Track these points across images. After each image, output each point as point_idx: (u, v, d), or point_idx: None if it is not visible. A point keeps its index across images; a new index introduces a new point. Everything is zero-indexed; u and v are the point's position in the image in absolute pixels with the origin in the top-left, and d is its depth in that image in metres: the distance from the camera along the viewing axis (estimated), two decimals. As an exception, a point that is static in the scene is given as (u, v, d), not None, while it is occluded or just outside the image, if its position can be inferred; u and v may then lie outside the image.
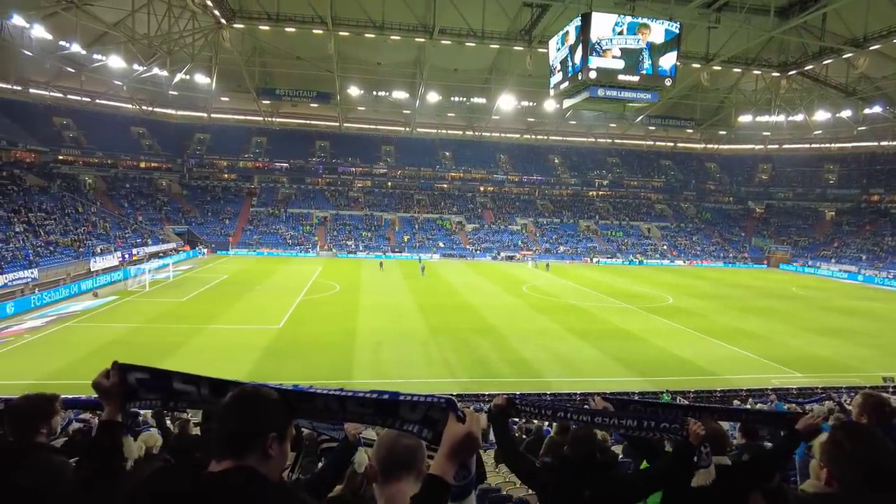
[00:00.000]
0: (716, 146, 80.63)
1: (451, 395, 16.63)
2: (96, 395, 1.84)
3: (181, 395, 1.78)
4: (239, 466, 1.41)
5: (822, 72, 55.74)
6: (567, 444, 3.22)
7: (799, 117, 64.26)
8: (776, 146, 76.51)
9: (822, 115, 61.96)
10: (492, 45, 51.52)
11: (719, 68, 54.77)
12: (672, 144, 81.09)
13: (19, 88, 53.62)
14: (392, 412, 1.65)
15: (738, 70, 58.08)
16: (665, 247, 65.59)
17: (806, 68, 54.31)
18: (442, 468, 1.49)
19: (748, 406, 12.96)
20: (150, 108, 63.84)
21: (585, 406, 3.17)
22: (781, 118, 65.68)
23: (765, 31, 42.51)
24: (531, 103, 63.05)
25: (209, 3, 44.39)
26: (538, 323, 27.60)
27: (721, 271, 56.85)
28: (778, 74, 57.28)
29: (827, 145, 72.97)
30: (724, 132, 75.46)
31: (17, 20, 38.21)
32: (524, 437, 9.62)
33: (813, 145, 73.55)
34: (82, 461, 1.79)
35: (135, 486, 1.48)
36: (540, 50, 46.03)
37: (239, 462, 1.42)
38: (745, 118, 67.86)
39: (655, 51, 29.66)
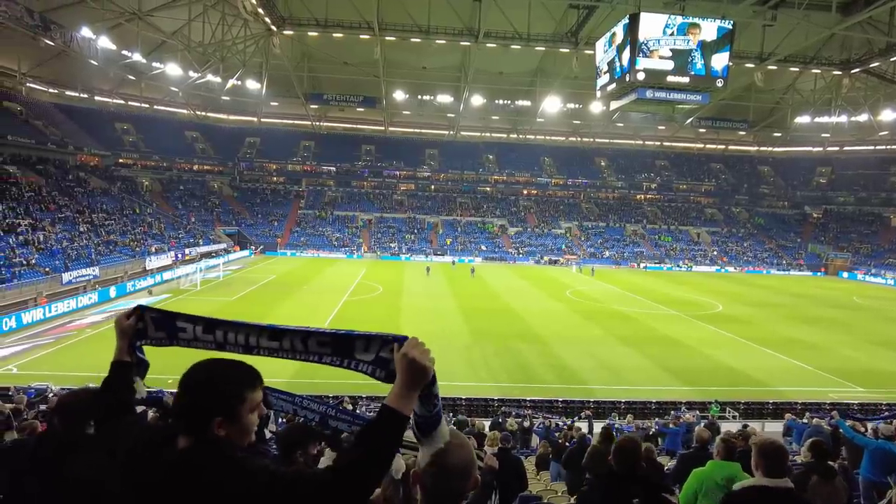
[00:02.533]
0: (770, 148, 77.55)
1: (492, 399, 16.54)
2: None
3: (181, 333, 1.90)
4: (193, 444, 1.45)
5: (890, 69, 52.88)
6: (611, 454, 3.13)
7: (862, 117, 61.11)
8: (836, 148, 72.90)
9: (888, 115, 58.71)
10: (537, 48, 51.15)
11: (775, 68, 52.67)
12: (723, 147, 78.48)
13: (86, 96, 56.65)
14: (348, 352, 1.66)
15: (796, 69, 55.70)
16: (715, 252, 63.50)
17: (871, 66, 51.58)
18: (395, 399, 1.44)
19: (804, 420, 12.36)
20: (203, 113, 66.33)
21: None
22: (843, 119, 62.60)
23: (826, 27, 40.67)
24: (577, 105, 62.22)
25: (260, 10, 45.76)
26: (582, 329, 27.17)
27: (774, 279, 54.59)
28: (840, 73, 54.64)
29: (893, 147, 69.06)
30: (779, 134, 72.43)
31: (86, 32, 40.35)
32: (567, 444, 9.46)
33: (878, 147, 69.74)
34: (96, 397, 1.92)
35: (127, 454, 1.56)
36: (586, 52, 45.39)
37: (192, 438, 1.46)
38: (802, 119, 64.98)
39: (706, 51, 28.80)
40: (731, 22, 29.42)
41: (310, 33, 51.53)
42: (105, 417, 1.86)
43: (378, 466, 1.41)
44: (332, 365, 1.72)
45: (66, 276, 30.28)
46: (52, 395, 13.19)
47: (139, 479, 1.48)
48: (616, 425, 13.29)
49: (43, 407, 11.02)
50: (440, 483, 1.57)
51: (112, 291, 31.24)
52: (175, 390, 1.62)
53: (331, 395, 13.52)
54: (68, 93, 54.98)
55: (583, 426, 13.11)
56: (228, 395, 1.50)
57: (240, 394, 1.51)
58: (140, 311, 1.98)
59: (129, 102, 61.05)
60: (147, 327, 1.97)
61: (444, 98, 62.77)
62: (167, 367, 2.89)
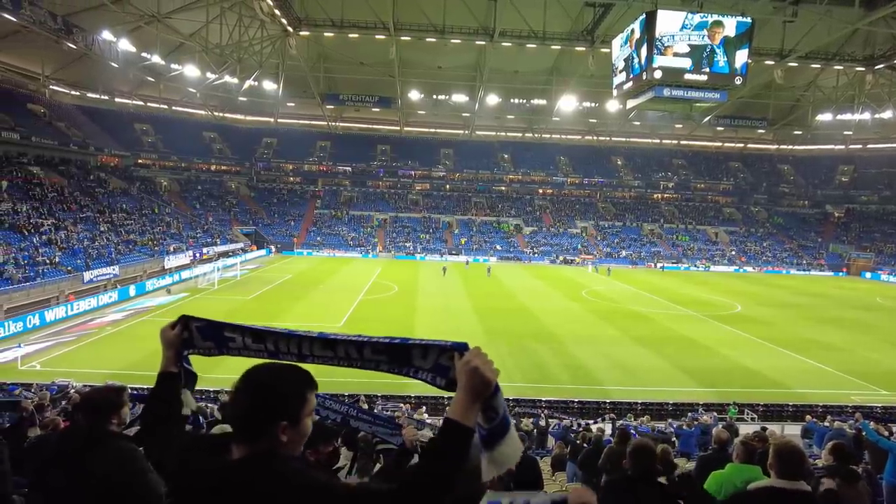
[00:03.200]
0: (790, 147, 76.30)
1: (506, 399, 16.50)
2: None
3: (229, 342, 1.89)
4: (252, 454, 1.42)
5: (914, 65, 51.77)
6: (627, 456, 3.11)
7: (887, 114, 59.75)
8: (859, 146, 71.53)
9: (913, 113, 57.45)
10: (553, 47, 50.91)
11: (795, 65, 51.79)
12: (742, 145, 77.42)
13: (106, 97, 57.57)
14: (405, 360, 1.63)
15: (817, 66, 54.70)
16: (733, 252, 62.70)
17: (895, 61, 50.54)
18: (457, 411, 1.39)
19: (826, 424, 12.15)
20: (221, 114, 67.08)
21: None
22: (866, 116, 61.31)
23: (848, 22, 39.96)
24: (593, 104, 61.78)
25: (277, 11, 46.14)
26: (598, 329, 27.00)
27: (794, 279, 53.75)
28: (863, 69, 53.56)
29: (918, 145, 67.63)
30: (799, 132, 71.23)
31: (106, 35, 41.01)
32: (585, 445, 9.41)
33: (902, 145, 68.34)
34: (145, 411, 1.88)
35: (178, 461, 1.56)
36: (603, 50, 45.08)
37: (253, 447, 1.42)
38: (823, 117, 63.82)
39: (725, 48, 28.46)
40: (751, 18, 29.03)
41: (325, 34, 51.84)
42: (151, 428, 1.82)
43: (444, 482, 1.35)
44: (390, 372, 1.69)
45: (87, 275, 30.82)
46: (73, 391, 13.41)
47: (191, 491, 1.44)
48: (633, 426, 13.19)
49: (64, 403, 11.23)
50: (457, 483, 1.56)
51: (131, 290, 31.74)
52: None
53: (346, 394, 13.58)
54: (90, 95, 55.91)
55: (606, 428, 13.04)
56: (293, 396, 1.47)
57: (302, 395, 1.49)
58: (185, 320, 1.98)
59: (148, 103, 61.93)
60: (193, 337, 1.96)
61: (460, 97, 62.76)
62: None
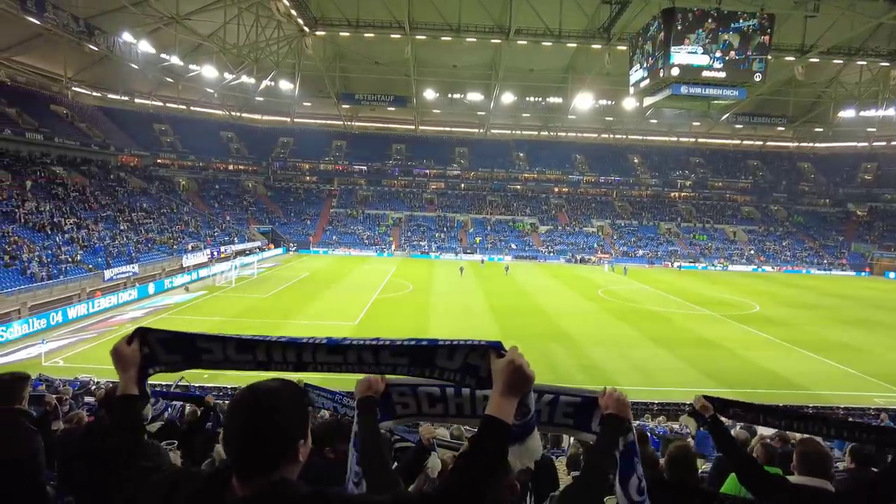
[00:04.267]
0: (811, 144, 75.05)
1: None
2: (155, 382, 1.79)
3: (203, 354, 1.70)
4: (268, 484, 1.27)
5: (941, 60, 50.57)
6: (665, 463, 3.07)
7: (912, 111, 58.56)
8: (883, 143, 69.99)
9: (938, 109, 56.19)
10: (569, 45, 50.60)
11: (817, 60, 50.92)
12: (761, 143, 76.30)
13: (126, 98, 58.45)
14: (429, 361, 1.59)
15: (840, 61, 53.65)
16: (752, 251, 61.84)
17: (921, 56, 49.41)
18: (497, 408, 1.39)
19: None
20: (238, 114, 67.75)
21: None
22: (891, 112, 60.03)
23: (873, 17, 39.20)
24: (609, 102, 61.29)
25: (293, 12, 46.45)
26: (614, 329, 26.82)
27: (815, 278, 52.88)
28: (887, 64, 52.40)
29: (944, 142, 66.09)
30: (820, 129, 70.00)
31: (127, 37, 41.66)
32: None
33: (928, 142, 66.85)
34: (107, 444, 1.59)
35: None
36: (619, 47, 44.72)
37: (270, 478, 1.28)
38: (846, 113, 62.58)
39: (744, 45, 28.08)
40: (771, 14, 28.62)
41: (341, 33, 52.09)
42: (119, 464, 1.52)
43: (488, 477, 1.35)
44: (410, 375, 1.66)
45: (107, 273, 31.35)
46: (94, 387, 13.65)
47: None
48: (649, 427, 13.09)
49: (87, 399, 11.44)
50: None
51: (151, 288, 32.21)
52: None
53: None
54: (110, 95, 56.81)
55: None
56: (303, 412, 1.39)
57: (307, 408, 1.43)
58: (142, 333, 1.73)
59: (167, 104, 62.76)
60: (156, 351, 1.72)
61: (475, 96, 62.67)
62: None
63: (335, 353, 1.64)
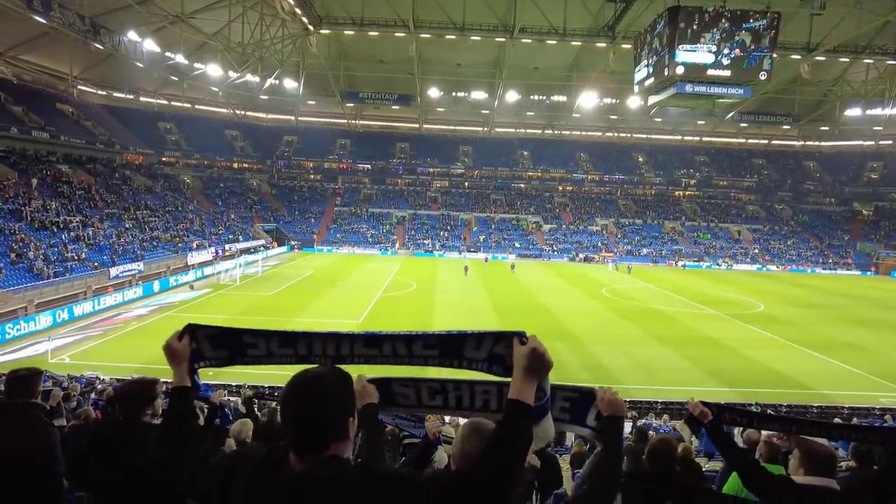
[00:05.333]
0: (816, 143, 74.70)
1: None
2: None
3: (248, 349, 1.79)
4: (322, 460, 1.40)
5: (948, 59, 50.23)
6: (645, 455, 3.11)
7: (919, 110, 58.17)
8: (890, 142, 69.56)
9: (945, 108, 55.80)
10: (573, 43, 50.48)
11: (823, 59, 50.66)
12: (766, 142, 75.99)
13: (131, 97, 58.67)
14: (457, 352, 1.67)
15: (846, 60, 53.40)
16: (757, 250, 61.65)
17: (928, 55, 49.10)
18: (519, 391, 1.50)
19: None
20: (242, 113, 67.86)
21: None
22: (896, 111, 59.72)
23: (880, 15, 39.01)
24: (614, 100, 61.13)
25: (298, 10, 46.53)
26: (618, 328, 26.80)
27: (819, 278, 52.68)
28: (894, 62, 52.17)
29: (951, 140, 65.63)
30: (826, 128, 69.65)
31: (132, 35, 41.80)
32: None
33: (934, 141, 66.37)
34: (166, 431, 1.80)
35: (224, 474, 1.52)
36: (624, 46, 44.62)
37: (323, 453, 1.41)
38: (852, 112, 62.21)
39: (749, 43, 27.96)
40: (776, 12, 28.49)
41: (346, 32, 52.15)
42: (176, 451, 1.72)
43: (517, 459, 1.44)
44: (440, 366, 1.72)
45: (113, 271, 31.51)
46: (100, 384, 13.74)
47: None
48: (653, 425, 13.10)
49: (93, 396, 11.52)
50: None
51: (156, 286, 32.36)
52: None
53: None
54: (115, 94, 57.03)
55: (626, 426, 12.96)
56: (349, 393, 1.51)
57: (353, 390, 1.55)
58: (191, 329, 1.84)
59: (172, 102, 62.95)
60: (202, 347, 1.83)
61: (479, 95, 62.60)
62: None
63: (371, 346, 1.72)
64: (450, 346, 1.68)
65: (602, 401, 2.07)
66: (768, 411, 15.54)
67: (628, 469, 3.22)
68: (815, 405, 16.56)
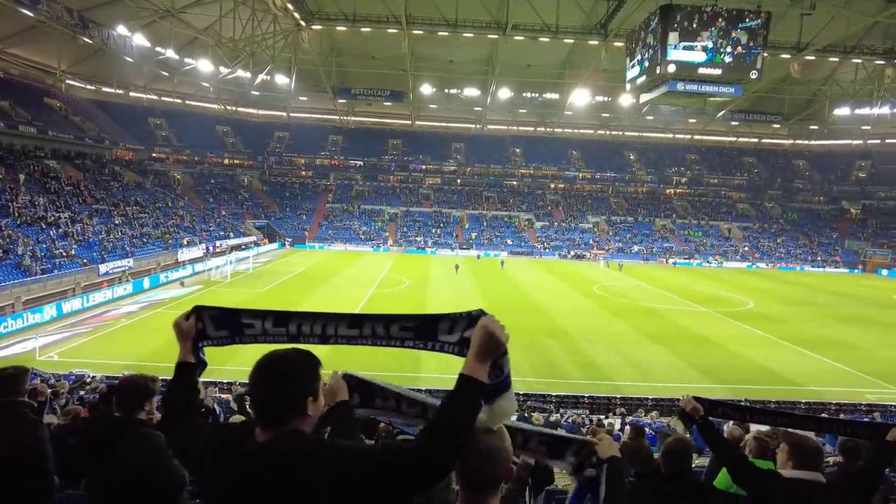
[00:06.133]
0: (806, 142, 75.39)
1: (518, 393, 16.52)
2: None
3: (246, 329, 1.92)
4: (282, 433, 1.52)
5: (935, 59, 50.78)
6: (661, 455, 3.12)
7: (905, 109, 58.78)
8: (877, 141, 70.36)
9: (932, 107, 56.42)
10: (566, 40, 50.55)
11: (813, 58, 51.08)
12: (756, 140, 76.56)
13: (121, 92, 58.11)
14: (431, 335, 1.76)
15: (835, 59, 53.85)
16: (747, 248, 62.13)
17: (916, 55, 49.57)
18: (471, 368, 1.53)
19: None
20: (233, 108, 67.47)
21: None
22: (885, 110, 60.26)
23: (869, 15, 39.36)
24: (606, 98, 61.34)
25: (289, 5, 46.24)
26: (610, 325, 26.92)
27: (808, 275, 53.19)
28: (883, 62, 52.64)
29: (938, 140, 66.36)
30: (815, 127, 70.29)
31: (121, 30, 41.38)
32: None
33: (922, 140, 67.04)
34: (166, 401, 1.95)
35: (203, 447, 1.65)
36: (616, 44, 44.74)
37: (282, 427, 1.53)
38: (841, 111, 62.81)
39: (740, 42, 28.13)
40: (767, 11, 28.67)
41: (338, 28, 51.88)
42: (174, 419, 1.88)
43: (461, 432, 1.48)
44: (415, 348, 1.80)
45: (102, 268, 31.23)
46: (90, 381, 13.65)
47: (230, 474, 1.53)
48: (646, 423, 13.18)
49: (82, 393, 11.45)
50: (468, 463, 1.64)
51: (146, 282, 32.13)
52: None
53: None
54: (105, 89, 56.49)
55: (616, 423, 13.04)
56: (312, 374, 1.62)
57: (317, 372, 1.65)
58: (198, 310, 2.00)
59: (162, 98, 62.47)
60: (206, 327, 1.98)
61: (471, 92, 62.58)
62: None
63: (353, 327, 1.83)
64: (424, 329, 1.77)
65: (602, 444, 2.13)
66: (758, 407, 15.70)
67: (634, 468, 3.23)
68: (804, 401, 16.75)
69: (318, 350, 1.67)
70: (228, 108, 67.09)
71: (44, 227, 32.49)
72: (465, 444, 1.50)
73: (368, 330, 1.81)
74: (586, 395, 16.77)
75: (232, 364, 14.60)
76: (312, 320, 1.87)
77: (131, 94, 59.64)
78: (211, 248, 44.05)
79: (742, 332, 26.75)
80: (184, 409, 1.89)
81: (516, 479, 2.56)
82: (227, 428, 1.76)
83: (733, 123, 69.94)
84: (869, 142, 70.67)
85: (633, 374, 19.66)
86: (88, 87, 55.37)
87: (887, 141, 69.81)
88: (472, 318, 1.69)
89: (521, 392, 16.64)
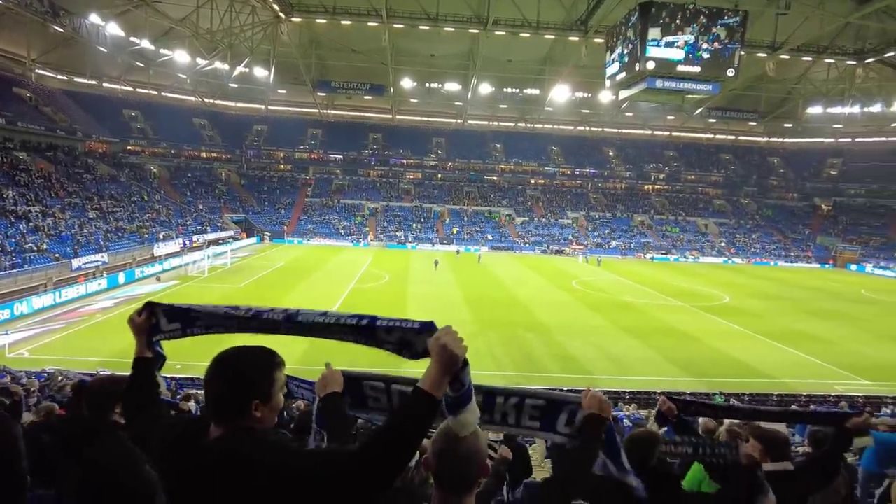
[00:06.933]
0: (780, 139, 76.87)
1: (495, 387, 16.64)
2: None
3: (197, 321, 2.02)
4: (230, 431, 1.54)
5: (904, 60, 52.16)
6: (624, 442, 3.16)
7: (876, 108, 60.30)
8: (848, 139, 72.05)
9: (901, 107, 57.93)
10: (546, 36, 50.79)
11: (787, 57, 52.08)
12: (733, 137, 77.76)
13: (94, 82, 56.73)
14: (370, 335, 1.77)
15: (809, 59, 55.00)
16: (723, 244, 63.23)
17: (886, 56, 50.82)
18: (429, 383, 1.49)
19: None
20: (211, 101, 66.42)
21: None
22: (856, 109, 61.77)
23: (841, 16, 40.20)
24: (586, 94, 61.81)
25: (268, -3, 45.66)
26: (588, 319, 27.21)
27: (782, 271, 54.36)
28: (854, 63, 54.00)
29: (905, 139, 68.11)
30: (789, 125, 71.75)
31: (94, 18, 40.40)
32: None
33: (890, 138, 68.49)
34: (126, 395, 2.03)
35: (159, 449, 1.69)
36: (596, 40, 45.05)
37: (230, 426, 1.55)
38: (814, 110, 64.24)
39: (718, 41, 28.54)
40: (745, 10, 29.11)
41: (318, 20, 51.40)
42: (133, 413, 1.95)
43: (408, 446, 1.46)
44: (356, 342, 1.82)
45: (75, 263, 30.57)
46: (61, 379, 13.37)
47: (178, 469, 1.58)
48: (625, 416, 13.37)
49: (55, 391, 11.21)
50: (446, 467, 1.64)
51: (121, 278, 31.52)
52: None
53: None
54: (77, 79, 55.08)
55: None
56: (262, 377, 1.61)
57: (271, 375, 1.63)
58: (150, 306, 2.08)
59: (138, 89, 61.18)
60: (160, 321, 2.05)
61: (452, 86, 62.56)
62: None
63: (291, 321, 1.88)
64: (364, 332, 1.78)
65: (591, 398, 2.03)
66: (731, 401, 16.04)
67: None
68: (776, 393, 17.14)
69: (301, 343, 1.68)
70: (206, 100, 66.01)
71: (13, 220, 31.67)
72: (407, 459, 1.45)
73: (307, 324, 1.85)
74: (564, 389, 16.90)
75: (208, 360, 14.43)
76: (257, 313, 1.93)
77: (105, 84, 58.28)
78: (188, 242, 43.39)
79: (718, 326, 27.24)
80: (144, 403, 1.95)
81: (493, 473, 2.58)
82: (185, 422, 1.81)
83: (711, 121, 71.06)
84: (840, 140, 72.30)
85: (611, 367, 19.90)
86: (60, 77, 53.98)
87: (857, 140, 71.59)
88: (414, 329, 1.68)
89: (501, 385, 16.71)
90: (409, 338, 1.69)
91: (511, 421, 2.12)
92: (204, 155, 65.98)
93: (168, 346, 2.22)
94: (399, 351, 1.73)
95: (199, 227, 49.06)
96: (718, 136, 77.76)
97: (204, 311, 2.01)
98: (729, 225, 67.66)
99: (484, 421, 1.89)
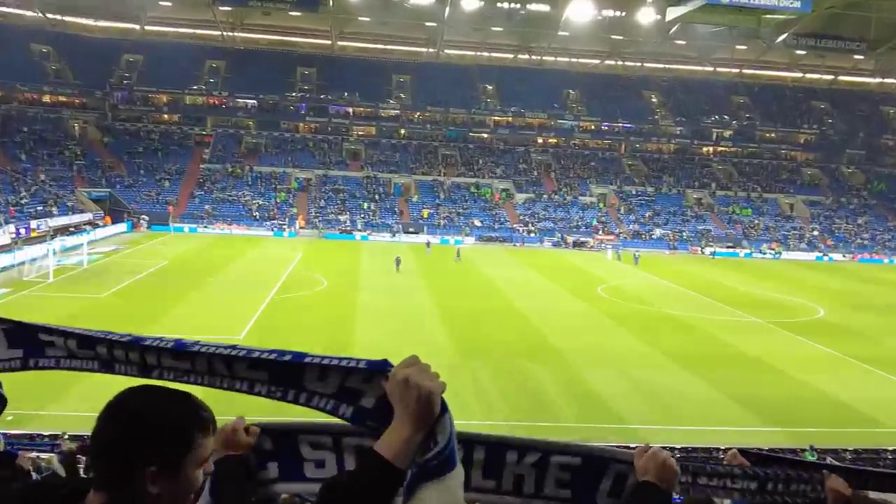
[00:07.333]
0: (899, 81, 78.25)
1: (506, 436, 16.54)
2: None
3: (47, 349, 1.95)
4: (116, 498, 1.47)
5: None
6: None
7: None
8: None
9: None
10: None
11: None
12: (831, 78, 78.89)
13: None
14: (294, 381, 1.67)
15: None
16: (816, 232, 64.13)
17: None
18: (389, 443, 1.40)
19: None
20: (58, 17, 65.17)
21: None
22: None
23: None
24: (618, 13, 61.83)
25: None
26: (619, 341, 27.36)
27: (901, 271, 55.43)
28: None
29: None
30: (912, 59, 73.01)
31: None
32: None
33: None
34: None
35: None
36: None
37: (110, 495, 1.47)
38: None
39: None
40: None
41: None
42: None
43: None
44: (268, 397, 1.72)
45: None
46: None
47: None
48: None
49: None
50: None
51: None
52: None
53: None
54: None
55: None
56: (170, 434, 1.50)
57: (184, 434, 1.52)
58: None
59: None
60: None
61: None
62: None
63: (182, 359, 1.77)
64: (283, 372, 1.68)
65: (649, 458, 1.90)
66: (828, 459, 16.24)
67: None
68: (892, 449, 17.38)
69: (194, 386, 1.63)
70: (50, 16, 64.77)
71: None
72: None
73: (203, 364, 1.74)
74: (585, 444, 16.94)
75: (59, 407, 14.11)
76: (127, 347, 1.84)
77: None
78: (23, 231, 42.65)
79: (808, 350, 27.61)
80: None
81: None
82: (53, 492, 1.67)
83: (799, 52, 71.58)
84: None
85: (652, 411, 20.02)
86: None
87: None
88: (360, 369, 1.59)
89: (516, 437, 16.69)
90: (353, 384, 1.59)
91: (528, 490, 1.95)
92: (48, 99, 65.13)
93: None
94: (336, 408, 1.62)
95: (40, 209, 48.29)
96: (810, 76, 78.70)
97: (56, 339, 1.92)
98: (825, 205, 68.61)
99: (487, 490, 1.81)
